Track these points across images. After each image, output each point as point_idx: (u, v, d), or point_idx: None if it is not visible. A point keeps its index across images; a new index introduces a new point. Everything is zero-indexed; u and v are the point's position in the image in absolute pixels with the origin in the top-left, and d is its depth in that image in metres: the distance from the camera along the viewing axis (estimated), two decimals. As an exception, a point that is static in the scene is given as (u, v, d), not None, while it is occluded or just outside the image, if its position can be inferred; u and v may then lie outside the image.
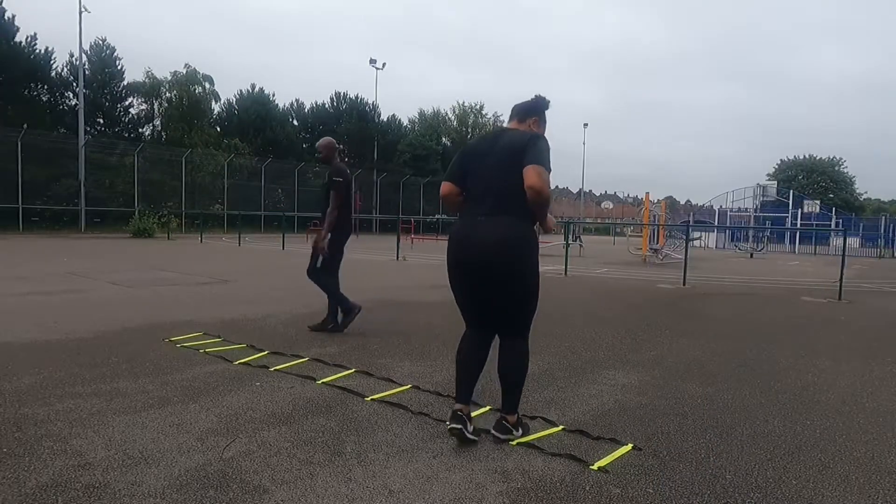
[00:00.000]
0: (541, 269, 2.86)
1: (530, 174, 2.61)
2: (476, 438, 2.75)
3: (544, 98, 3.00)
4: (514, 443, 2.80)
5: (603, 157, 79.39)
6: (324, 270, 5.20)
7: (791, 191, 35.02)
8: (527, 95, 3.02)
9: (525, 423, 2.93)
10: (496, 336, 2.90)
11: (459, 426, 2.69)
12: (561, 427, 3.03)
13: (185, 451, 2.59)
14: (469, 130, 50.29)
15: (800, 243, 29.16)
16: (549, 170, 2.67)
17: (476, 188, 2.80)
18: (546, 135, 2.90)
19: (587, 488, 2.37)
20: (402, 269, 12.07)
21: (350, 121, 39.24)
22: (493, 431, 2.82)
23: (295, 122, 39.57)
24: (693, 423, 3.20)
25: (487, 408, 3.28)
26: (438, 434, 2.89)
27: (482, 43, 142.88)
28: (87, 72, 26.77)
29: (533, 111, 2.97)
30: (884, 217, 31.54)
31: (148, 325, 5.33)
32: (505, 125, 3.06)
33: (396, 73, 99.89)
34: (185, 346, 4.53)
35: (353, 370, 3.97)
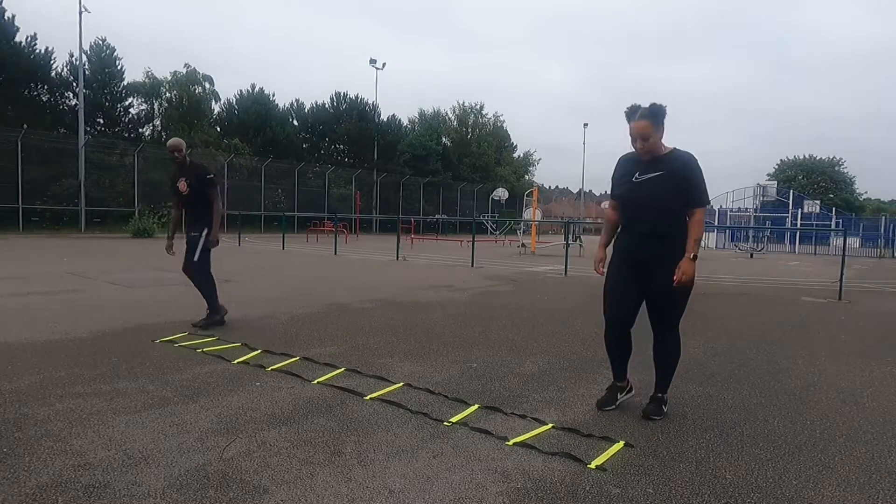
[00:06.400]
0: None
1: None
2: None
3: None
4: (510, 442, 2.80)
5: (604, 156, 79.76)
6: (199, 268, 5.40)
7: (791, 191, 35.01)
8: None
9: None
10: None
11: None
12: (551, 425, 3.04)
13: (185, 451, 2.60)
14: (469, 130, 50.30)
15: (800, 243, 29.16)
16: None
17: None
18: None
19: (587, 488, 2.37)
20: (403, 270, 12.07)
21: (350, 121, 39.21)
22: None
23: (295, 122, 39.49)
24: (693, 423, 3.20)
25: (476, 406, 3.29)
26: (438, 434, 2.89)
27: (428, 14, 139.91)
28: (87, 72, 26.72)
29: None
30: (884, 217, 31.50)
31: (148, 325, 5.33)
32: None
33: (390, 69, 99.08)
34: (184, 346, 4.53)
35: (352, 370, 3.97)
